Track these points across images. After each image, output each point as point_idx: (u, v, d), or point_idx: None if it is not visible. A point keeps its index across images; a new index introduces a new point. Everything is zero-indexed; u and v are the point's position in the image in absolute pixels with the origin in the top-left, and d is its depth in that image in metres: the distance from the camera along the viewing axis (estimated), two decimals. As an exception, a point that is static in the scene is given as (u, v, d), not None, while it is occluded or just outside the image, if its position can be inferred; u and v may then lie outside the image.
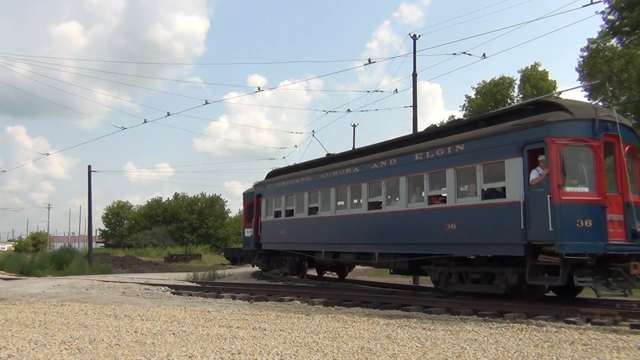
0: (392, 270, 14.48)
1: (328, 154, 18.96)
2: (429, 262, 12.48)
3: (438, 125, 16.38)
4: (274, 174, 20.93)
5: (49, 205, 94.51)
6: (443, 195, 12.18)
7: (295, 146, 49.81)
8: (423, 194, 12.66)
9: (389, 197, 13.91)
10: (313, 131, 34.00)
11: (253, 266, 23.70)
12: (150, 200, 78.98)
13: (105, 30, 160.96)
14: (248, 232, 21.59)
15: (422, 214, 12.51)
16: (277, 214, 19.22)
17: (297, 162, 21.20)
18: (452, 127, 13.05)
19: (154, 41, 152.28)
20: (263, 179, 21.73)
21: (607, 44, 25.92)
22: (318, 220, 16.52)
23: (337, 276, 20.20)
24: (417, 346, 6.57)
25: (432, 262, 12.40)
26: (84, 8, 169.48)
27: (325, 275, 20.60)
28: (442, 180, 12.07)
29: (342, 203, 15.87)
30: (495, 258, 10.91)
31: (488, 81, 35.41)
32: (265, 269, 21.45)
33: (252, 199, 21.56)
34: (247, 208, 22.45)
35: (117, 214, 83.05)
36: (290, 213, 18.41)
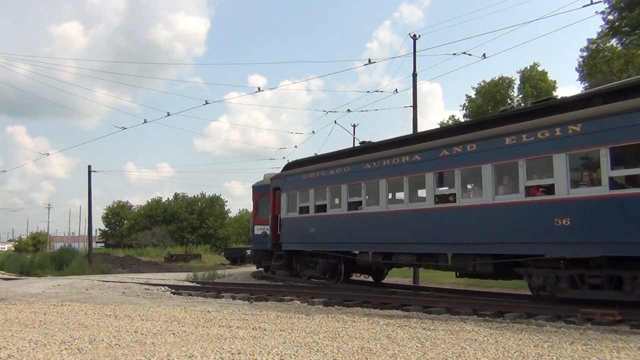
0: (458, 274, 12.84)
1: (362, 142, 17.52)
2: (524, 264, 10.80)
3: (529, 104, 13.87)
4: (294, 165, 18.85)
5: (49, 205, 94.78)
6: (544, 185, 10.38)
7: (295, 146, 50.12)
8: (518, 185, 10.72)
9: (467, 188, 12.28)
10: (313, 131, 33.95)
11: (258, 267, 22.16)
12: (150, 200, 79.19)
13: (106, 30, 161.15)
14: (259, 230, 19.73)
15: (517, 207, 10.66)
16: (304, 210, 17.04)
17: (317, 154, 19.63)
18: (556, 105, 10.94)
19: (155, 41, 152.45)
20: (278, 171, 20.09)
21: (607, 44, 25.96)
22: (362, 216, 14.49)
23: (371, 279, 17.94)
24: (417, 346, 6.57)
25: (530, 264, 10.69)
26: (84, 8, 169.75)
27: (356, 278, 18.32)
28: (546, 167, 10.24)
29: (398, 196, 14.30)
30: (619, 258, 9.32)
31: (488, 81, 35.45)
32: (266, 270, 20.14)
33: (265, 192, 19.55)
34: (257, 203, 20.28)
35: (117, 214, 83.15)
36: (322, 208, 16.26)
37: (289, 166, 19.05)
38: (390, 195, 14.23)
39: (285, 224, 17.83)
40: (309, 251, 17.03)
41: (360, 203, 14.67)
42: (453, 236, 11.89)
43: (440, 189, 12.56)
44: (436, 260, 12.56)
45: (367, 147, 16.01)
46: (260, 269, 27.80)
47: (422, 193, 13.17)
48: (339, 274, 16.10)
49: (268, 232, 18.82)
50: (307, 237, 16.63)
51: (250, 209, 33.77)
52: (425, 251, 12.80)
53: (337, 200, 15.95)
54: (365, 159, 14.62)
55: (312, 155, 19.63)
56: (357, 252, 14.96)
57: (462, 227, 11.75)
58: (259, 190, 20.52)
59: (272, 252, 18.96)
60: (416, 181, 13.23)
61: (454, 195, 12.04)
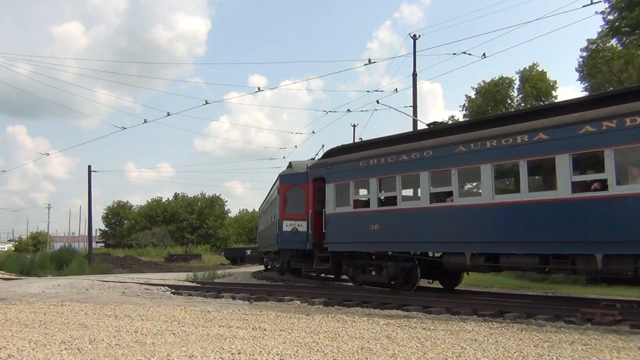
0: (600, 279, 10.48)
1: (430, 124, 15.41)
2: None
3: None
4: (342, 150, 16.08)
5: (49, 205, 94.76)
6: None
7: (296, 146, 49.97)
8: None
9: (627, 172, 9.78)
10: (313, 131, 33.95)
11: (283, 273, 19.88)
12: (150, 200, 79.22)
13: (107, 30, 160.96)
14: (288, 226, 17.00)
15: None
16: (360, 203, 14.56)
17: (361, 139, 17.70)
18: None
19: (156, 41, 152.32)
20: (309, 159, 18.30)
21: (607, 44, 25.97)
22: (453, 210, 11.95)
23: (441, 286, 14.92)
24: (417, 346, 6.57)
25: None
26: (85, 8, 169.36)
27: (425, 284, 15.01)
28: None
29: (508, 184, 12.43)
30: None
31: (488, 81, 35.43)
32: (293, 272, 18.56)
33: (296, 183, 17.24)
34: (286, 195, 17.45)
35: (117, 214, 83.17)
36: (389, 201, 13.74)
37: (335, 152, 16.12)
38: (503, 184, 11.93)
39: (333, 221, 14.95)
40: (369, 253, 14.33)
41: (449, 193, 12.07)
42: (606, 234, 9.32)
43: (577, 175, 9.91)
44: (572, 262, 10.09)
45: (450, 128, 13.40)
46: (257, 270, 28.04)
47: (554, 180, 10.31)
48: (414, 280, 13.29)
49: (300, 228, 16.59)
50: (367, 236, 13.84)
51: (251, 208, 33.47)
52: (557, 251, 10.25)
53: (413, 191, 13.83)
54: (458, 141, 11.89)
55: (351, 143, 16.99)
56: (443, 254, 12.43)
57: (619, 223, 9.15)
58: (288, 180, 17.74)
59: (305, 253, 16.73)
60: (539, 166, 10.88)
61: (603, 182, 9.49)
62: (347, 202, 14.71)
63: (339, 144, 16.65)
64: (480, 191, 11.74)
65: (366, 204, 14.34)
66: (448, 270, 12.88)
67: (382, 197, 13.78)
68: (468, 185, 12.64)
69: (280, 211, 17.50)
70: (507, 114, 12.59)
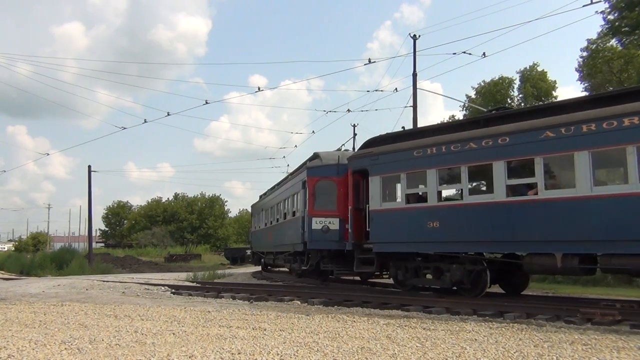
0: None
1: (494, 109, 13.83)
2: None
3: None
4: (388, 139, 14.15)
5: (49, 205, 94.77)
6: None
7: (296, 146, 50.02)
8: None
9: None
10: (313, 131, 33.94)
11: (302, 275, 18.90)
12: (150, 200, 79.26)
13: (108, 30, 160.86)
14: (318, 223, 15.46)
15: None
16: (414, 198, 12.90)
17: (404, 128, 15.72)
18: None
19: (156, 42, 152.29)
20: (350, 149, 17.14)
21: (607, 44, 25.98)
22: (537, 204, 10.34)
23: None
24: (417, 346, 6.57)
25: None
26: (86, 8, 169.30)
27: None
28: None
29: (608, 176, 11.24)
30: None
31: (488, 81, 35.42)
32: (318, 275, 17.12)
33: (327, 175, 15.76)
34: (315, 189, 15.85)
35: (117, 214, 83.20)
36: (452, 195, 12.77)
37: (379, 141, 14.32)
38: (595, 174, 10.26)
39: (379, 218, 13.34)
40: (423, 254, 12.86)
41: (531, 186, 10.67)
42: None
43: None
44: None
45: (522, 112, 11.93)
46: (257, 270, 27.23)
47: None
48: (482, 285, 11.74)
49: (332, 226, 15.22)
50: (423, 235, 12.29)
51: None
52: None
53: (483, 184, 12.43)
54: (545, 125, 10.34)
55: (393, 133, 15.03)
56: (524, 255, 10.91)
57: None
58: (317, 173, 16.03)
59: (337, 253, 15.33)
60: None
61: None
62: (397, 197, 13.32)
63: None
64: (574, 183, 10.02)
65: (420, 198, 12.76)
66: (536, 272, 11.69)
67: (442, 191, 12.34)
68: (556, 176, 10.95)
69: (307, 207, 15.86)
70: (604, 94, 11.07)
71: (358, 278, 17.47)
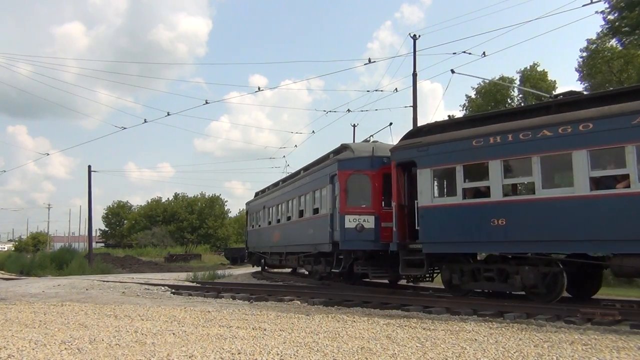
0: None
1: (558, 95, 12.58)
2: None
3: None
4: (435, 129, 12.85)
5: (49, 205, 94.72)
6: None
7: (295, 146, 49.95)
8: None
9: None
10: (313, 131, 33.95)
11: (322, 278, 17.28)
12: (150, 200, 79.24)
13: (108, 30, 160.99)
14: (352, 221, 14.14)
15: None
16: (471, 192, 11.63)
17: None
18: None
19: (157, 42, 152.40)
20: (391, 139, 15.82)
21: (607, 44, 26.00)
22: (634, 198, 9.18)
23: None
24: (417, 346, 6.57)
25: None
26: (86, 9, 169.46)
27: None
28: None
29: None
30: None
31: (488, 81, 35.43)
32: (348, 278, 15.68)
33: (361, 169, 14.42)
34: (347, 184, 14.51)
35: (117, 214, 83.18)
36: (520, 189, 11.74)
37: (427, 130, 13.02)
38: None
39: (430, 215, 12.18)
40: (491, 255, 11.70)
41: (619, 178, 9.64)
42: None
43: None
44: None
45: (606, 95, 10.48)
46: (257, 270, 26.61)
47: None
48: (558, 289, 10.57)
49: (367, 225, 14.02)
50: (485, 234, 11.08)
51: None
52: None
53: (560, 176, 11.21)
54: (637, 109, 9.20)
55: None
56: (612, 255, 9.87)
57: None
58: (349, 166, 14.62)
59: (372, 254, 14.24)
60: None
61: None
62: (452, 191, 11.94)
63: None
64: None
65: (480, 192, 11.55)
66: (616, 275, 10.77)
67: (508, 184, 11.15)
68: None
69: (339, 204, 14.55)
70: None
71: (387, 281, 16.18)
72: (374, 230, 13.98)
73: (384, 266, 14.10)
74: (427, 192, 12.22)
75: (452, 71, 17.45)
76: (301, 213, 18.39)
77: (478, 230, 11.23)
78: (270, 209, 23.11)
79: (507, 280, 11.14)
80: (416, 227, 12.48)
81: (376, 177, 14.21)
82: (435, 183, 12.36)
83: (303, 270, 21.16)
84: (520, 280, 10.81)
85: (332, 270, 15.50)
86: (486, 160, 11.15)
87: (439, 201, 12.16)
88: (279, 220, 21.55)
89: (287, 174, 24.60)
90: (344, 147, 15.71)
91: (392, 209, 13.12)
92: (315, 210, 16.82)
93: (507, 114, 12.02)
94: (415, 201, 12.52)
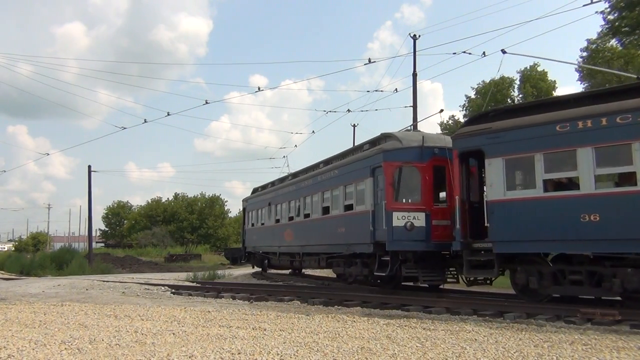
0: None
1: None
2: None
3: None
4: (506, 113, 11.50)
5: (49, 205, 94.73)
6: None
7: (295, 146, 49.82)
8: None
9: None
10: (313, 131, 33.92)
11: (356, 282, 15.46)
12: (150, 200, 79.17)
13: (109, 30, 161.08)
14: (401, 219, 12.64)
15: None
16: (552, 184, 10.29)
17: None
18: None
19: (157, 42, 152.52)
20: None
21: (607, 44, 26.00)
22: None
23: None
24: (417, 346, 6.57)
25: None
26: (87, 9, 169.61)
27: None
28: None
29: None
30: None
31: (488, 81, 35.43)
32: (382, 283, 14.15)
33: (411, 161, 13.01)
34: (395, 176, 13.07)
35: (117, 214, 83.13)
36: (617, 179, 10.14)
37: (496, 115, 11.69)
38: None
39: (503, 211, 10.86)
40: (567, 255, 10.35)
41: None
42: None
43: None
44: None
45: None
46: (257, 270, 25.93)
47: None
48: None
49: (417, 222, 12.63)
50: (573, 231, 9.74)
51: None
52: None
53: None
54: None
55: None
56: None
57: None
58: (397, 157, 13.16)
59: (423, 255, 12.88)
60: None
61: None
62: (530, 184, 10.67)
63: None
64: None
65: (559, 185, 10.36)
66: None
67: (602, 175, 9.90)
68: None
69: (385, 199, 13.01)
70: None
71: (426, 285, 14.25)
72: (424, 228, 12.64)
73: (435, 269, 12.82)
74: (499, 184, 10.84)
75: (503, 51, 15.49)
76: (325, 210, 16.74)
77: (563, 227, 9.87)
78: (279, 205, 21.36)
79: (601, 284, 9.74)
80: (486, 224, 11.16)
81: (426, 170, 12.91)
82: (509, 173, 10.91)
83: (308, 272, 20.60)
84: (620, 284, 9.40)
85: (376, 273, 13.62)
86: (574, 148, 9.80)
87: (513, 194, 10.72)
88: (291, 218, 19.79)
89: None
90: (386, 137, 14.20)
91: (454, 204, 11.74)
92: (348, 207, 15.26)
93: (593, 95, 10.69)
94: (484, 194, 11.28)
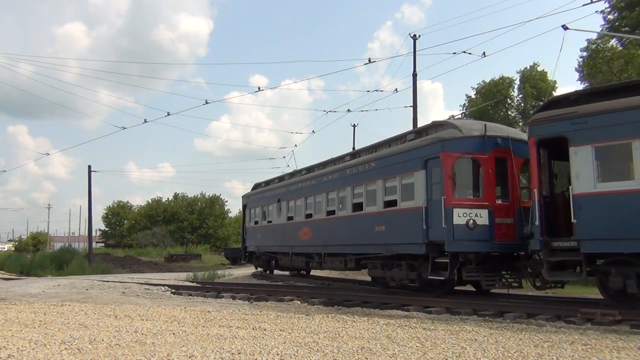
0: None
1: None
2: None
3: None
4: (592, 95, 10.30)
5: (49, 205, 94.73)
6: None
7: (295, 145, 49.86)
8: None
9: None
10: (313, 131, 33.94)
11: (398, 286, 13.89)
12: (150, 200, 79.17)
13: (109, 31, 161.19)
14: (462, 216, 11.43)
15: None
16: None
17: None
18: None
19: (158, 42, 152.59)
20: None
21: (607, 44, 26.00)
22: None
23: None
24: (417, 346, 6.57)
25: None
26: (87, 9, 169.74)
27: None
28: None
29: None
30: None
31: (488, 81, 35.41)
32: (437, 286, 12.30)
33: (473, 151, 11.79)
34: (454, 170, 11.74)
35: (117, 214, 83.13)
36: None
37: (577, 98, 10.44)
38: None
39: (593, 205, 9.57)
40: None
41: None
42: None
43: None
44: None
45: None
46: (259, 270, 25.65)
47: None
48: None
49: (479, 220, 11.40)
50: None
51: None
52: None
53: None
54: None
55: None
56: None
57: None
58: (456, 147, 11.87)
59: (485, 256, 11.69)
60: None
61: None
62: (626, 174, 9.44)
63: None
64: None
65: None
66: None
67: None
68: None
69: (445, 194, 11.64)
70: None
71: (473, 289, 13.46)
72: (487, 227, 11.44)
73: (496, 271, 11.72)
74: (587, 175, 9.59)
75: (564, 27, 14.11)
76: (357, 207, 15.18)
77: None
78: (291, 202, 19.75)
79: None
80: (572, 220, 9.78)
81: (489, 162, 11.70)
82: (599, 163, 9.64)
83: (311, 273, 19.90)
84: None
85: (429, 277, 12.08)
86: None
87: (605, 187, 9.46)
88: (309, 215, 18.17)
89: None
90: (440, 124, 12.83)
91: (533, 197, 10.50)
92: (390, 203, 13.71)
93: None
94: (570, 188, 9.96)
